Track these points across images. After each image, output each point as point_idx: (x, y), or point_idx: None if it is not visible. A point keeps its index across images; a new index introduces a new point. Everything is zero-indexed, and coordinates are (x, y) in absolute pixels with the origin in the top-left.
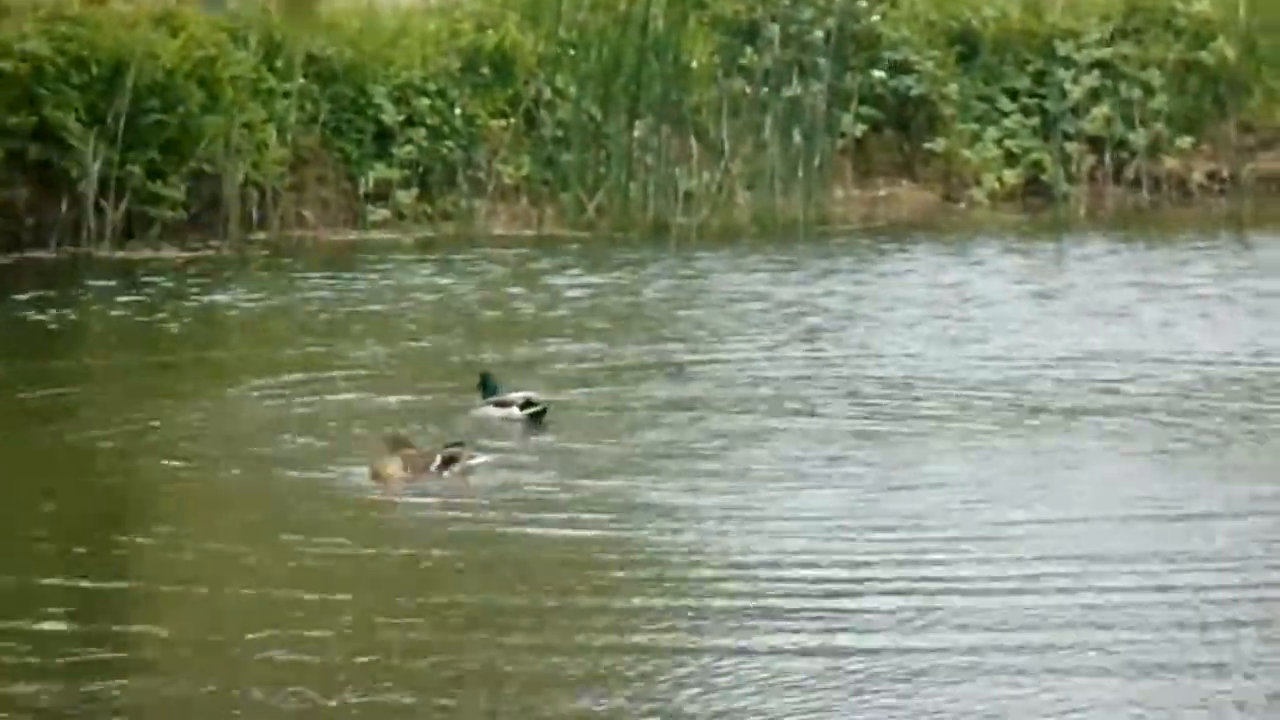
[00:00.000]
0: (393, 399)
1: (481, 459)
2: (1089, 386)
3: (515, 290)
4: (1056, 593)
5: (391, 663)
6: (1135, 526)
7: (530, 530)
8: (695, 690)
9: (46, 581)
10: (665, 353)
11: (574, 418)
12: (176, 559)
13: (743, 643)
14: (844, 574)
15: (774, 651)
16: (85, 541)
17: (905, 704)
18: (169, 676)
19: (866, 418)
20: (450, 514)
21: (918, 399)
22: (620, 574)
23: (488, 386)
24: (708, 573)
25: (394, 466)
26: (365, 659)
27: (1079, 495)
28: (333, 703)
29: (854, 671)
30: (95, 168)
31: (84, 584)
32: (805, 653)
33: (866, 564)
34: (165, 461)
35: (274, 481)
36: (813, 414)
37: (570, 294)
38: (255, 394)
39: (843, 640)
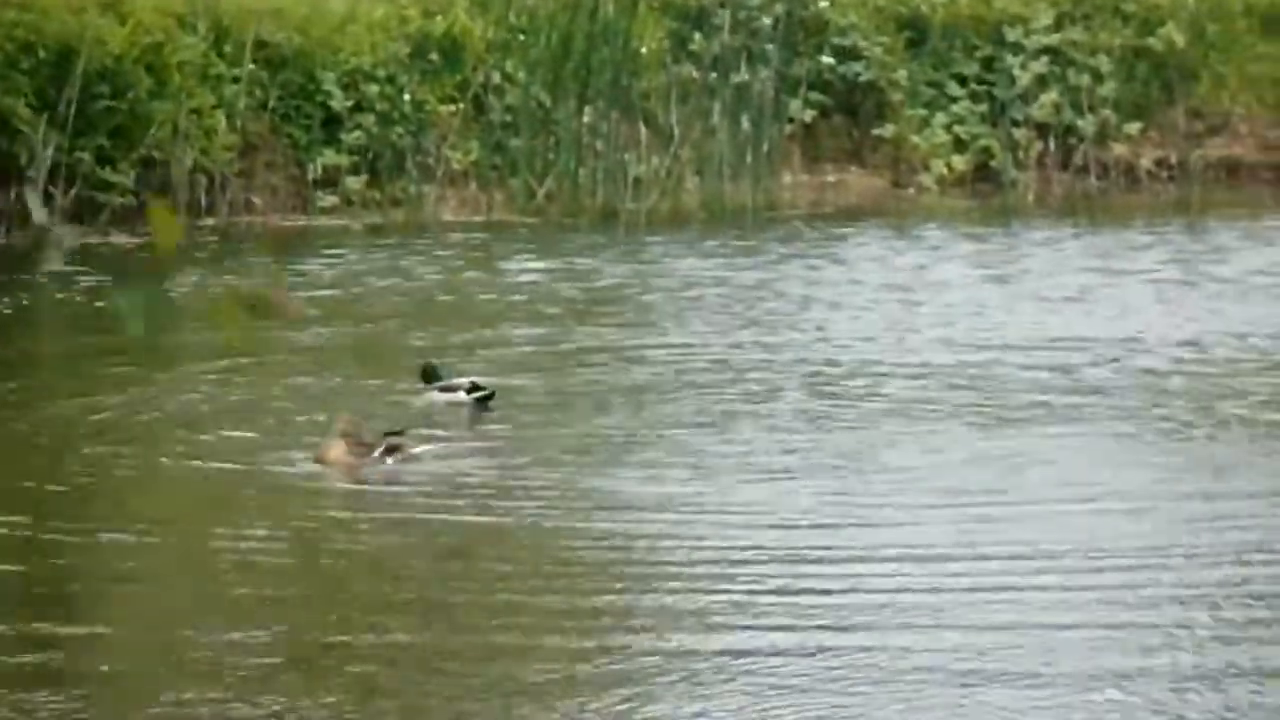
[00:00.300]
0: (340, 384)
1: (425, 448)
2: (1051, 373)
3: (466, 275)
4: (1026, 589)
5: (347, 664)
6: (1104, 520)
7: (482, 520)
8: (665, 693)
9: None
10: (619, 338)
11: (526, 403)
12: (116, 553)
13: (711, 641)
14: (806, 569)
15: (739, 652)
16: (18, 535)
17: (874, 705)
18: (113, 683)
19: (825, 405)
20: (400, 505)
21: (877, 385)
22: (579, 570)
23: (434, 374)
24: (669, 569)
25: (339, 452)
26: (320, 660)
27: (1043, 487)
28: (298, 704)
29: (815, 672)
30: (48, 154)
31: (17, 580)
32: (776, 653)
33: (830, 560)
34: (106, 449)
35: (220, 469)
36: (770, 401)
37: (522, 279)
38: (202, 378)
39: (804, 639)
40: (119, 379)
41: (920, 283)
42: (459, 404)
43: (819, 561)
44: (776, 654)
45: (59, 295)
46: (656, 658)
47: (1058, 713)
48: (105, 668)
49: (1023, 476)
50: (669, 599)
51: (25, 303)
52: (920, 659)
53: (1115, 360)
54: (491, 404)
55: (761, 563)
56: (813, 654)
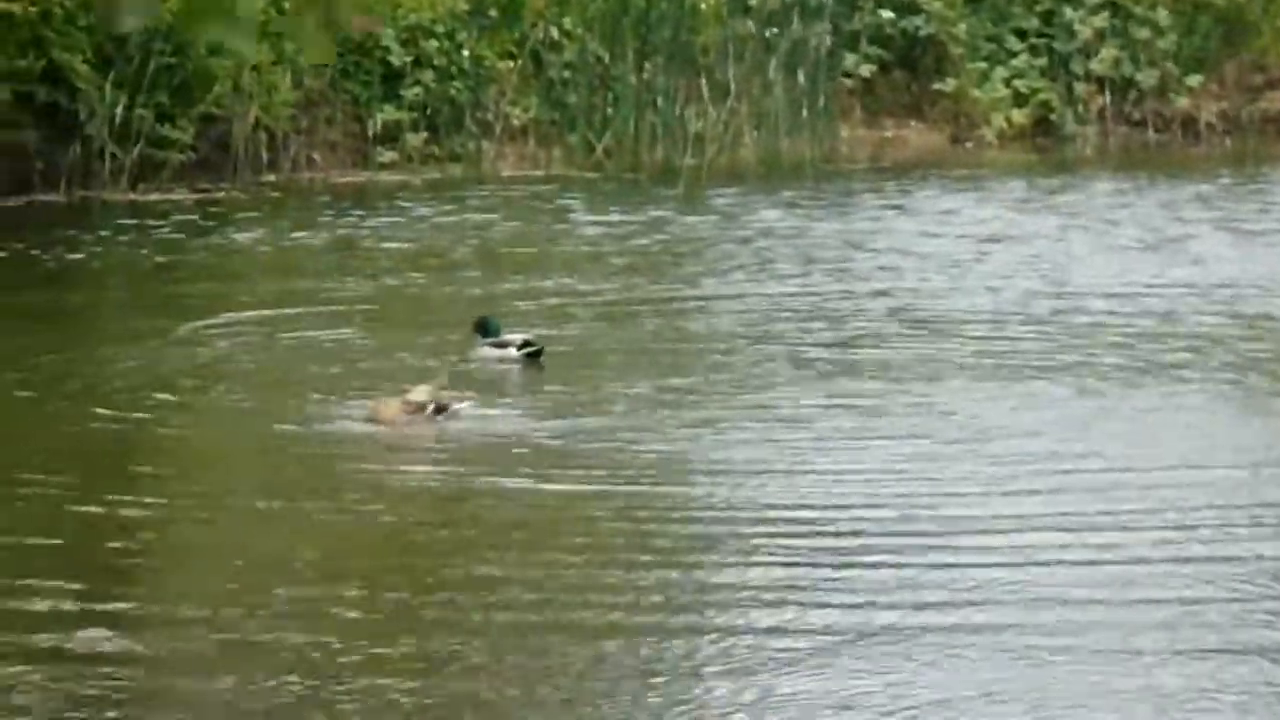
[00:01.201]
0: (396, 337)
1: (467, 403)
2: (1142, 324)
3: (531, 229)
4: (1132, 563)
5: (394, 641)
6: (1215, 479)
7: (535, 487)
8: (724, 674)
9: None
10: (688, 290)
11: (590, 358)
12: (166, 519)
13: (781, 617)
14: (889, 541)
15: (810, 629)
16: (56, 501)
17: (963, 677)
18: (162, 666)
19: (908, 359)
20: (453, 471)
21: (963, 339)
22: (643, 542)
23: (488, 328)
24: (739, 540)
25: (393, 410)
26: (369, 628)
27: (1140, 450)
28: (336, 681)
29: (898, 648)
30: (117, 112)
31: (55, 553)
32: (851, 631)
33: (912, 530)
34: (158, 401)
35: (272, 431)
36: (852, 355)
37: (588, 232)
38: (257, 329)
39: (886, 615)
40: (172, 329)
41: (1001, 234)
42: (510, 360)
43: (899, 534)
44: (852, 632)
45: (115, 251)
46: (719, 637)
47: (1171, 698)
48: (154, 650)
49: (1118, 439)
50: (740, 573)
51: (79, 258)
52: (1007, 633)
53: (1219, 310)
54: (543, 360)
55: (825, 535)
56: (897, 629)
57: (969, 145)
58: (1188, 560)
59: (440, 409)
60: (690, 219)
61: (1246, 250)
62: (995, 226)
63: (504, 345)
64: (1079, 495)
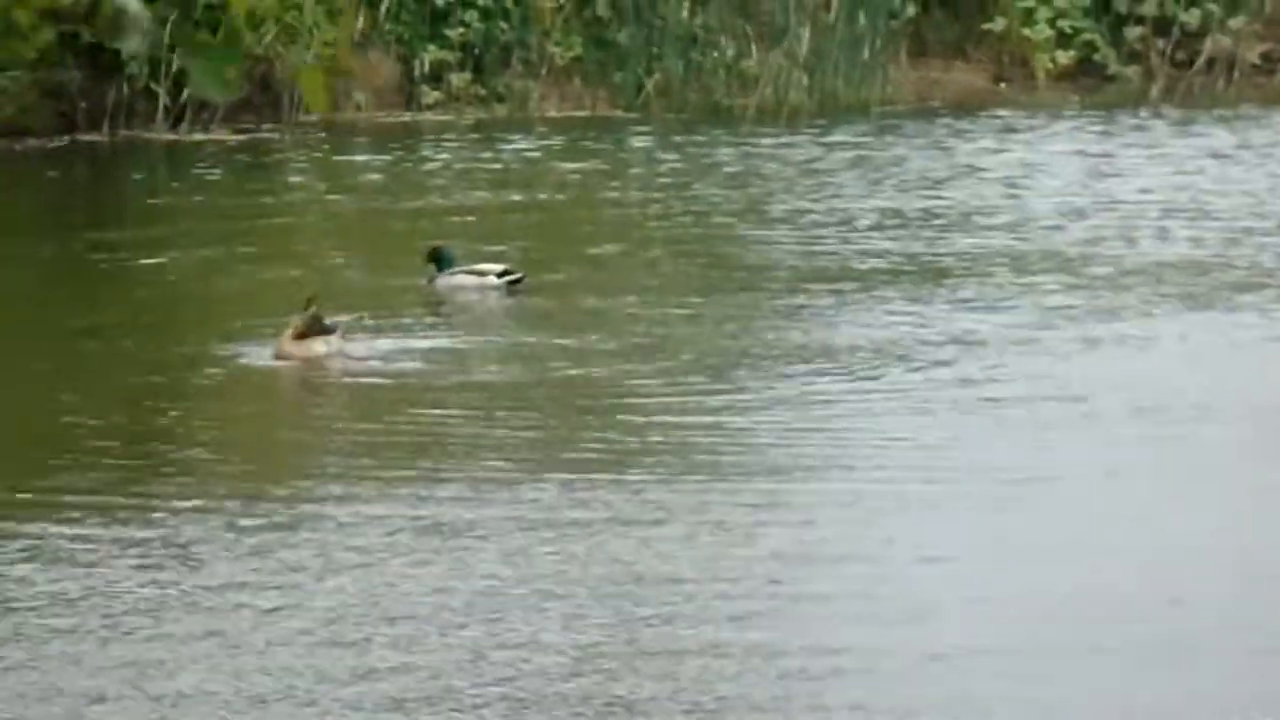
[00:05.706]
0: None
1: (358, 349)
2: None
3: (581, 164)
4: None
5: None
6: None
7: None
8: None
9: None
10: (726, 222)
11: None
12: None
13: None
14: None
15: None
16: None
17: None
18: None
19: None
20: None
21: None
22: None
23: (442, 259)
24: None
25: (295, 345)
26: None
27: None
28: None
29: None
30: (160, 53)
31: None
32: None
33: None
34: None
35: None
36: (938, 292)
37: (642, 167)
38: (240, 258)
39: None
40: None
41: (1096, 169)
42: (489, 288)
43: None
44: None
45: (156, 188)
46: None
47: None
48: None
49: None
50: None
51: (123, 197)
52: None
53: None
54: (523, 285)
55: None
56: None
57: (1002, 86)
58: None
59: (318, 331)
60: (753, 154)
61: None
62: (1086, 163)
63: (480, 273)
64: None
